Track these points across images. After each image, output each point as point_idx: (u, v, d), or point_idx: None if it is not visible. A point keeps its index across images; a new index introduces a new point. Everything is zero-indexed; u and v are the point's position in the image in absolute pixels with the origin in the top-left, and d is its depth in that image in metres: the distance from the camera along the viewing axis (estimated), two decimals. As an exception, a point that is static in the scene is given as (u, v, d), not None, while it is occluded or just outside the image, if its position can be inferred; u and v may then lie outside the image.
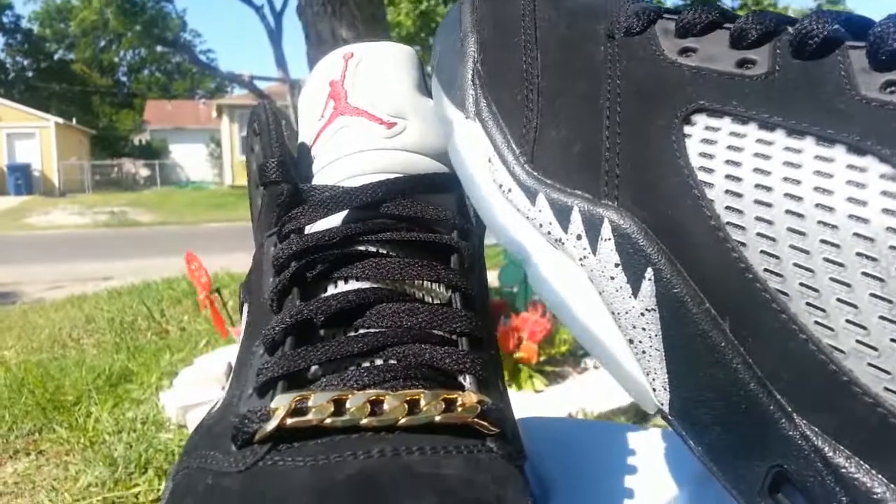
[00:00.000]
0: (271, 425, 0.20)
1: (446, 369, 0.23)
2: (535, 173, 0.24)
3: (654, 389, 0.22)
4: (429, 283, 0.27)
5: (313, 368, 0.23)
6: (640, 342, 0.22)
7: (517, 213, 0.24)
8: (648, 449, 0.39)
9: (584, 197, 0.23)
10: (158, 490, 1.41)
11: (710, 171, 0.21)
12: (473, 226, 0.31)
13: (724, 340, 0.21)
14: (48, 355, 2.60)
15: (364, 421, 0.21)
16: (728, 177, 0.21)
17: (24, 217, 11.15)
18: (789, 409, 0.20)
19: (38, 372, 2.26)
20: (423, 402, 0.21)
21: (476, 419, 0.21)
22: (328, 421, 0.21)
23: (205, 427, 0.25)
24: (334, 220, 0.29)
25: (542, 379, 1.96)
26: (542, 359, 1.99)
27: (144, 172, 20.87)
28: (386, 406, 0.21)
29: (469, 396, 0.22)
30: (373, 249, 0.28)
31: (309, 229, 0.29)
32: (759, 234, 0.20)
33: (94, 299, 3.69)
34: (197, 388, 1.92)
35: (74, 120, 21.57)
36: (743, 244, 0.20)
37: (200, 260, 2.04)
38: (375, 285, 0.26)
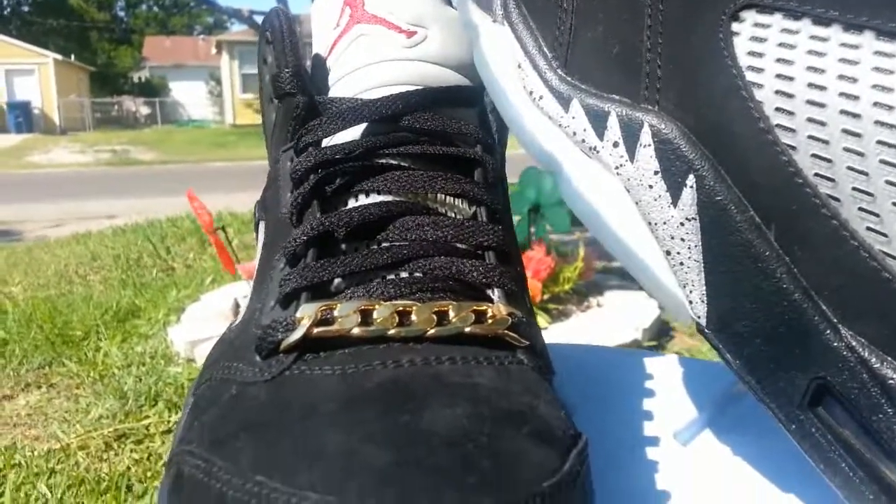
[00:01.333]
0: (297, 334, 0.20)
1: (474, 282, 0.22)
2: (569, 78, 0.23)
3: (690, 302, 0.21)
4: (451, 197, 0.26)
5: (336, 281, 0.23)
6: (678, 253, 0.21)
7: (548, 122, 0.23)
8: (666, 374, 0.39)
9: (623, 101, 0.22)
10: (169, 422, 1.44)
11: (759, 70, 0.20)
12: (496, 141, 0.30)
13: (769, 249, 0.20)
14: (55, 291, 2.62)
15: (392, 331, 0.20)
16: (779, 76, 0.20)
17: (25, 155, 11.09)
18: (835, 320, 0.19)
19: (46, 307, 2.27)
20: (451, 314, 0.20)
21: (506, 331, 0.21)
22: (355, 331, 0.20)
23: (226, 341, 0.24)
24: (353, 133, 0.28)
25: (546, 317, 1.97)
26: (545, 297, 1.99)
27: (145, 110, 20.65)
28: (414, 317, 0.20)
29: (499, 308, 0.21)
30: (394, 163, 0.27)
31: (326, 142, 0.27)
32: (810, 137, 0.19)
33: (99, 237, 3.69)
34: (204, 324, 1.94)
35: (73, 56, 21.23)
36: (793, 147, 0.19)
37: (200, 200, 2.03)
38: (398, 198, 0.25)
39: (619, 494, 0.27)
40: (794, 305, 0.19)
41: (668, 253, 0.21)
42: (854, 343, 0.19)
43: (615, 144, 0.22)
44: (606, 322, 1.97)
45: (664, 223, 0.21)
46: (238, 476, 0.16)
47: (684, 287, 0.21)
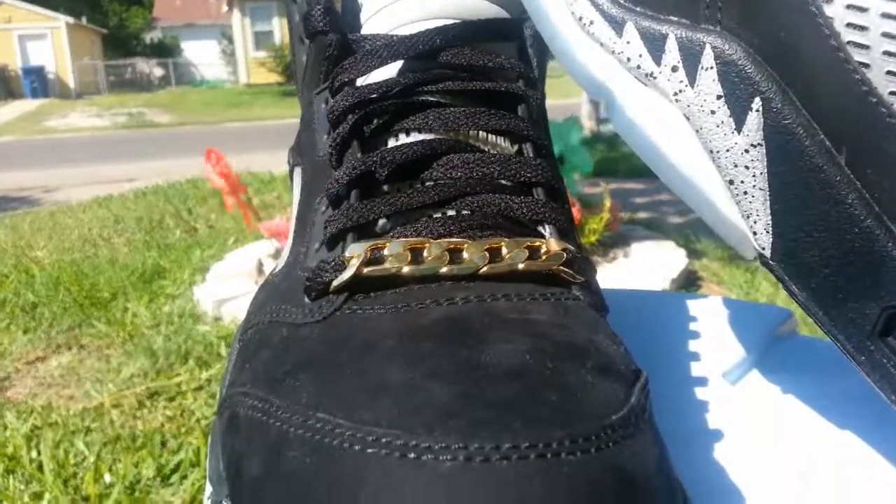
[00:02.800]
0: (347, 274, 0.19)
1: (524, 219, 0.22)
2: (622, 1, 0.22)
3: (754, 233, 0.20)
4: (494, 135, 0.25)
5: (381, 221, 0.22)
6: (742, 182, 0.20)
7: (600, 49, 0.22)
8: (710, 316, 0.38)
9: (681, 23, 0.20)
10: (200, 379, 1.46)
11: (829, -17, 0.19)
12: (537, 76, 0.28)
13: (839, 174, 0.19)
14: (80, 255, 2.65)
15: (443, 270, 0.19)
16: (851, -11, 0.18)
17: (43, 120, 11.13)
18: (910, 247, 0.18)
19: (72, 270, 2.30)
20: (504, 251, 0.20)
21: (561, 267, 0.20)
22: (406, 270, 0.19)
23: (270, 286, 0.24)
24: (390, 71, 0.27)
25: (570, 268, 1.96)
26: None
27: (158, 72, 20.58)
28: (465, 255, 0.20)
29: (553, 244, 0.20)
30: (433, 100, 0.26)
31: (361, 81, 0.27)
32: (885, 53, 0.18)
33: (121, 200, 3.72)
34: (229, 283, 1.95)
35: (84, 19, 21.11)
36: (866, 65, 0.18)
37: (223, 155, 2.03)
38: (440, 136, 0.24)
39: (671, 433, 0.26)
40: (865, 232, 0.18)
41: (730, 182, 0.20)
42: (931, 270, 0.18)
43: (674, 69, 0.20)
44: (633, 273, 1.96)
45: (727, 151, 0.20)
46: (298, 414, 0.16)
47: (748, 218, 0.20)
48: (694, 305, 0.40)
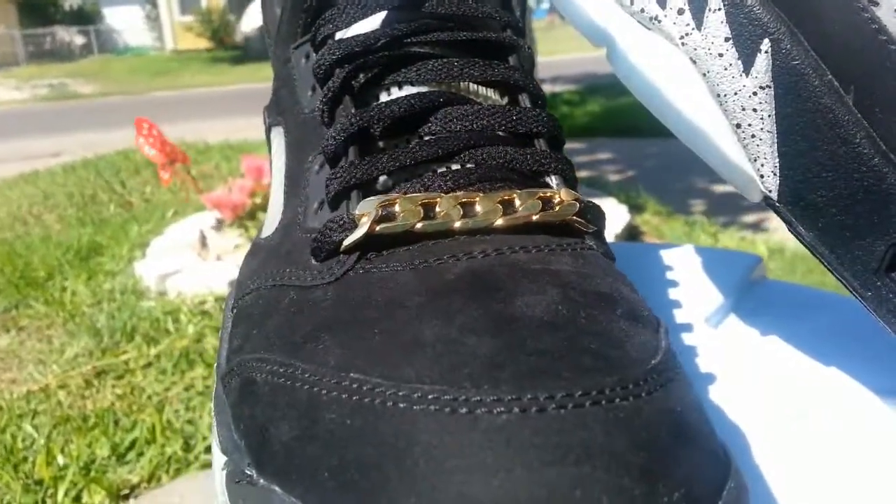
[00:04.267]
0: (359, 232, 0.19)
1: (530, 170, 0.21)
2: (621, -56, 0.21)
3: (762, 176, 0.20)
4: (488, 86, 0.25)
5: (382, 178, 0.21)
6: (750, 125, 0.20)
7: (601, -7, 0.22)
8: (685, 264, 0.39)
9: (685, -36, 0.20)
10: (149, 356, 1.42)
11: (835, -79, 0.19)
12: (523, 24, 0.28)
13: (848, 114, 0.19)
14: (10, 234, 2.53)
15: (457, 224, 0.19)
16: (858, -74, 0.18)
17: (-45, 95, 10.50)
18: (917, 184, 0.18)
19: (3, 250, 2.20)
20: (517, 202, 0.19)
21: (575, 217, 0.20)
22: (419, 226, 0.19)
23: (265, 249, 0.23)
24: (373, 23, 0.26)
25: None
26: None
27: (79, 40, 19.60)
28: (478, 208, 0.19)
29: (565, 194, 0.20)
30: (423, 51, 0.25)
31: (344, 34, 0.25)
32: (895, -9, 0.18)
33: (49, 175, 3.55)
34: (172, 257, 1.90)
35: (-6, -15, 19.87)
36: (875, 3, 0.18)
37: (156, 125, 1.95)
38: (434, 89, 0.24)
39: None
40: (873, 171, 0.19)
41: (737, 126, 0.20)
42: (937, 205, 0.18)
43: (680, 12, 0.20)
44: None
45: (735, 94, 0.20)
46: (329, 375, 0.15)
47: (755, 161, 0.20)
48: (668, 255, 0.40)
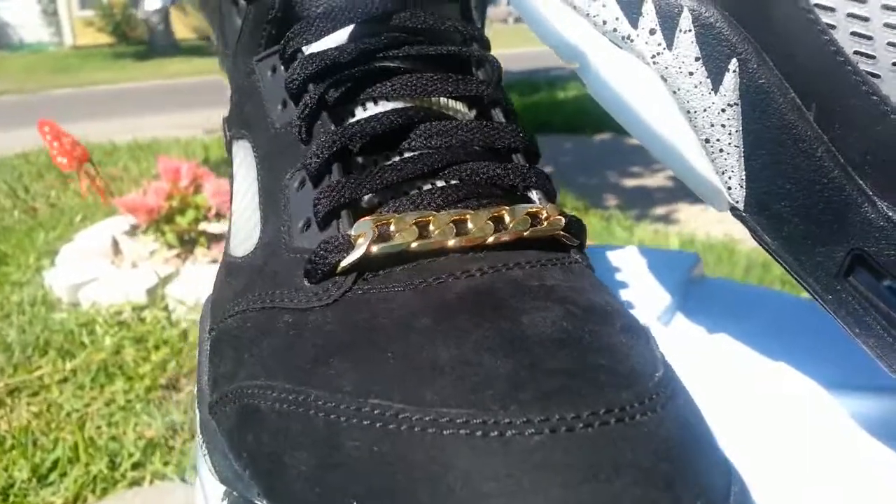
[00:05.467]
0: (357, 253, 0.19)
1: (513, 185, 0.22)
2: (592, -35, 0.22)
3: (729, 188, 0.22)
4: (461, 101, 0.25)
5: (367, 196, 0.21)
6: (718, 140, 0.21)
7: (572, 12, 0.22)
8: (629, 265, 0.40)
9: (656, -14, 0.21)
10: (64, 371, 1.36)
11: (794, -51, 0.20)
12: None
13: (809, 130, 0.20)
14: None
15: (451, 242, 0.19)
16: (815, -45, 0.20)
17: None
18: (871, 193, 0.20)
19: None
20: (507, 219, 0.20)
21: (561, 232, 0.20)
22: (415, 245, 0.19)
23: (244, 269, 0.23)
24: (342, 36, 0.26)
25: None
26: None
27: (-34, 36, 18.39)
28: (470, 225, 0.19)
29: (551, 209, 0.20)
30: (394, 66, 0.25)
31: (310, 49, 0.25)
32: (849, 15, 0.19)
33: (-60, 181, 3.32)
34: (83, 265, 1.81)
35: None
36: (832, 26, 0.20)
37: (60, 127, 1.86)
38: (409, 104, 0.24)
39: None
40: (833, 182, 0.20)
41: (706, 141, 0.21)
42: (890, 213, 0.20)
43: (651, 32, 0.21)
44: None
45: (704, 110, 0.21)
46: (347, 402, 0.15)
47: (723, 174, 0.21)
48: (613, 256, 0.42)
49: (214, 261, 1.74)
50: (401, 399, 0.15)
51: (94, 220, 2.27)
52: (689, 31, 0.21)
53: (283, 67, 0.25)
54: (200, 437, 0.21)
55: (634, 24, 0.21)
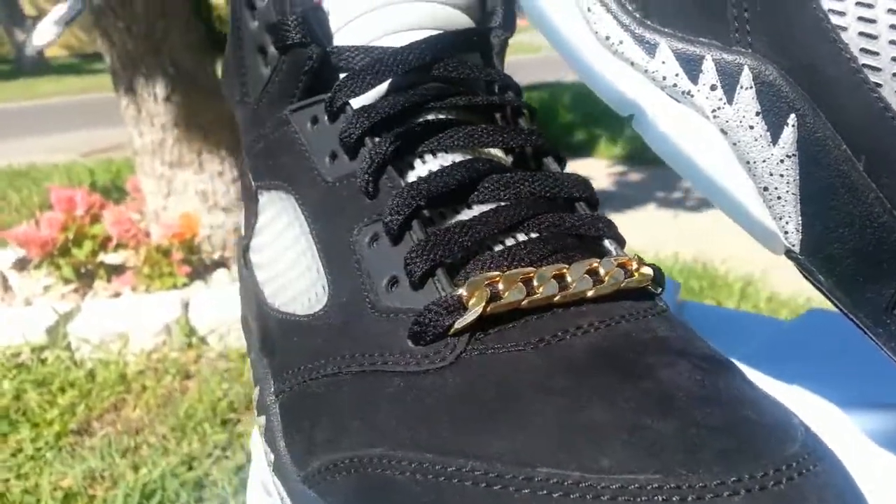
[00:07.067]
0: (473, 314, 0.18)
1: (589, 235, 0.22)
2: (649, 22, 0.23)
3: (785, 233, 0.23)
4: (511, 152, 0.26)
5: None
6: (776, 188, 0.22)
7: (629, 68, 0.23)
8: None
9: (714, 44, 0.22)
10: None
11: (841, 14, 0.21)
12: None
13: (861, 179, 0.22)
14: None
15: (557, 297, 0.19)
16: (860, 19, 0.21)
17: None
18: (916, 235, 0.22)
19: None
20: (602, 271, 0.20)
21: (652, 282, 0.21)
22: (525, 302, 0.19)
23: (318, 330, 0.22)
24: (382, 89, 0.25)
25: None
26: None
27: None
28: (569, 279, 0.20)
29: (639, 260, 0.21)
30: (443, 117, 0.25)
31: (359, 101, 0.25)
32: (894, 75, 0.21)
33: None
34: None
35: None
36: (879, 85, 0.21)
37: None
38: (468, 156, 0.24)
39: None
40: (883, 227, 0.22)
41: (764, 189, 0.23)
42: (934, 252, 0.22)
43: (712, 88, 0.22)
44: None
45: (763, 161, 0.22)
46: (513, 471, 0.15)
47: (780, 219, 0.23)
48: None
49: (117, 294, 1.65)
50: (576, 467, 0.15)
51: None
52: (750, 87, 0.22)
53: (327, 119, 0.25)
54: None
55: (694, 80, 0.22)
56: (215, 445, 1.13)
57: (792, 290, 1.65)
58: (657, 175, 2.81)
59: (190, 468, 1.08)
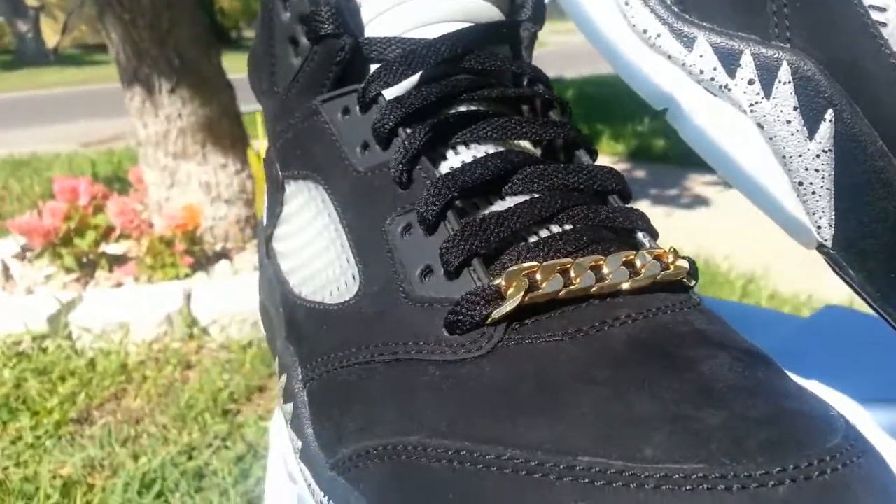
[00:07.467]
0: (512, 304, 0.19)
1: (624, 228, 0.22)
2: (687, 16, 0.23)
3: (818, 227, 0.23)
4: (542, 144, 0.26)
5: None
6: (811, 183, 0.22)
7: (666, 61, 0.23)
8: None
9: (752, 39, 0.22)
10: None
11: (882, 9, 0.21)
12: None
13: (895, 174, 0.22)
14: None
15: (594, 288, 0.19)
16: (900, 15, 0.21)
17: None
18: (948, 233, 0.22)
19: None
20: (638, 263, 0.20)
21: (687, 275, 0.21)
22: (563, 292, 0.19)
23: (348, 318, 0.22)
24: (414, 80, 0.25)
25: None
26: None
27: None
28: (606, 270, 0.20)
29: (675, 253, 0.21)
30: (475, 108, 0.25)
31: (392, 92, 0.25)
32: (932, 72, 0.21)
33: None
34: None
35: None
36: (917, 82, 0.21)
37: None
38: (501, 148, 0.24)
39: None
40: (916, 222, 0.22)
41: (799, 184, 0.23)
42: (966, 250, 0.22)
43: (750, 82, 0.22)
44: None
45: (800, 156, 0.22)
46: (554, 460, 0.15)
47: (813, 214, 0.23)
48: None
49: (118, 284, 1.65)
50: (619, 456, 0.15)
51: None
52: (789, 82, 0.22)
53: (359, 110, 0.25)
54: (326, 498, 0.20)
55: (732, 74, 0.22)
56: (215, 435, 1.13)
57: (794, 287, 1.66)
58: (659, 172, 2.82)
59: (190, 458, 1.08)
